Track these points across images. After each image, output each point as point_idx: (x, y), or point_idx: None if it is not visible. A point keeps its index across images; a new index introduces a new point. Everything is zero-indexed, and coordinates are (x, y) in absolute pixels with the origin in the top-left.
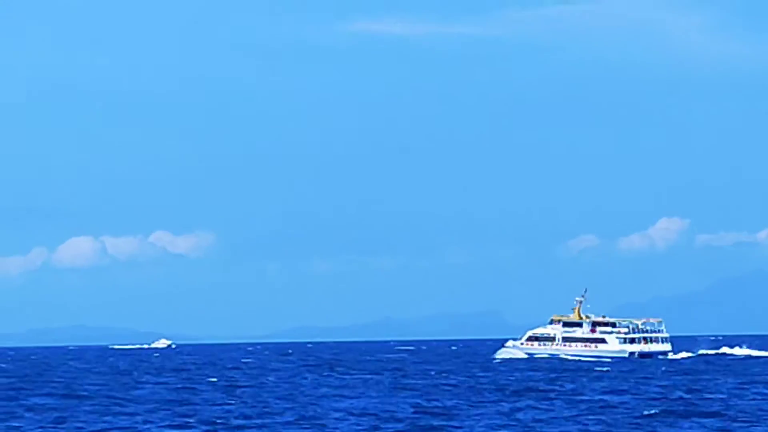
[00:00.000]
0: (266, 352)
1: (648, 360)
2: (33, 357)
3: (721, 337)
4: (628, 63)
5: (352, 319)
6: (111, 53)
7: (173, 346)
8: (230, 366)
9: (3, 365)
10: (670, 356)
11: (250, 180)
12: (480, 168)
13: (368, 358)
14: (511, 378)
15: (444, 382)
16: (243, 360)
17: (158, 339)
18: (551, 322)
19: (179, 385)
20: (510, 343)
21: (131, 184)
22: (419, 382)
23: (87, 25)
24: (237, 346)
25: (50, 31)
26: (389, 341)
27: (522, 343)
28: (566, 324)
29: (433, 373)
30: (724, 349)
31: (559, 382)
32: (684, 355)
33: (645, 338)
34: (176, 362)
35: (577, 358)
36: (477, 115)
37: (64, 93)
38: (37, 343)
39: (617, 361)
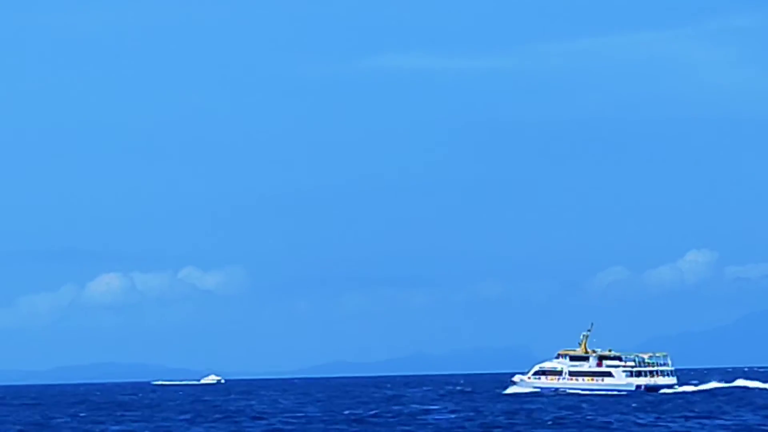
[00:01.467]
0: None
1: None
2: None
3: (751, 369)
4: (655, 96)
5: (386, 354)
6: (136, 92)
7: (222, 381)
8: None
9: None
10: (676, 389)
11: (279, 215)
12: (511, 203)
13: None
14: None
15: None
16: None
17: (207, 375)
18: (558, 356)
19: None
20: (518, 377)
21: (160, 221)
22: None
23: (105, 64)
24: (285, 381)
25: (63, 72)
26: (427, 375)
27: (529, 378)
28: (573, 358)
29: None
30: (738, 382)
31: None
32: (689, 388)
33: (651, 372)
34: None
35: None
36: (506, 150)
37: (93, 133)
38: (67, 381)
39: (624, 394)
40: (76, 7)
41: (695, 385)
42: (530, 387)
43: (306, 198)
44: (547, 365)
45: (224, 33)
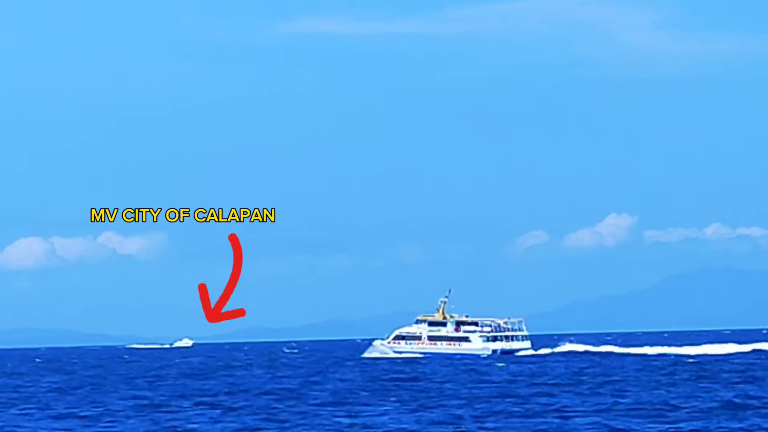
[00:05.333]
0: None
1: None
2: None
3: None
4: (573, 59)
5: (304, 320)
6: (58, 55)
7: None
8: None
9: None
10: (530, 353)
11: (197, 180)
12: (430, 167)
13: None
14: None
15: None
16: None
17: (180, 339)
18: (417, 321)
19: None
20: (377, 342)
21: (80, 184)
22: None
23: (43, 27)
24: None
25: None
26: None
27: (389, 342)
28: (431, 323)
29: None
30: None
31: None
32: (542, 351)
33: (507, 336)
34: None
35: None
36: (424, 115)
37: (11, 94)
38: None
39: (480, 357)
40: None
41: (551, 348)
42: (390, 351)
43: (222, 163)
44: (406, 330)
45: None
